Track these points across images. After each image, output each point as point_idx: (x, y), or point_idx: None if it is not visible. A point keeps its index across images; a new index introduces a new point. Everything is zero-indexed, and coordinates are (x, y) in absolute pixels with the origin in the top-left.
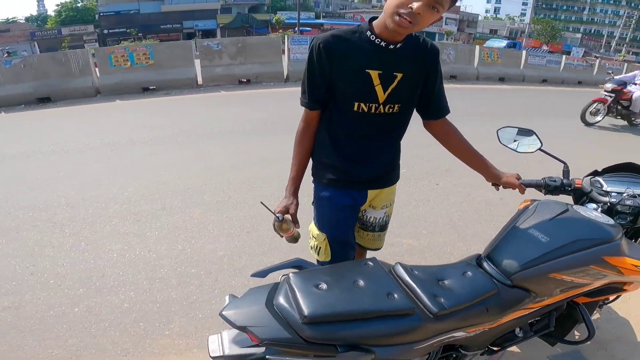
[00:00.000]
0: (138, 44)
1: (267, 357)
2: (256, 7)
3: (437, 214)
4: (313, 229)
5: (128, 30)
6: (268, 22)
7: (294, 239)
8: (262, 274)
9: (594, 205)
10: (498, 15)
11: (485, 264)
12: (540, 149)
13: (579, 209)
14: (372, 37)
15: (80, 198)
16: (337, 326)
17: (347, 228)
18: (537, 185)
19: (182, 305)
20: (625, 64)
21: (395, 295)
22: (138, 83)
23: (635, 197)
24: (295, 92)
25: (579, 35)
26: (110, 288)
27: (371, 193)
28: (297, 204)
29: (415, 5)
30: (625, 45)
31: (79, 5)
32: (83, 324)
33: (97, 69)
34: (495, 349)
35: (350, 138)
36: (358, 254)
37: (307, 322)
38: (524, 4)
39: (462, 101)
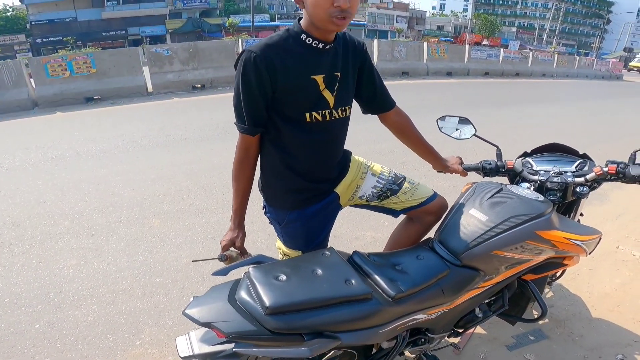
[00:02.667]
0: (77, 52)
1: (234, 350)
2: (208, 12)
3: None
4: (282, 247)
5: (65, 39)
6: (221, 26)
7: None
8: (224, 272)
9: (527, 184)
10: (444, 12)
11: (436, 247)
12: (474, 134)
13: (512, 188)
14: (309, 40)
15: (26, 216)
16: (299, 315)
17: (324, 234)
18: (476, 169)
19: (150, 315)
20: (556, 56)
21: (353, 281)
22: (80, 93)
23: (561, 174)
24: None
25: (514, 29)
26: (71, 303)
27: (340, 187)
28: (243, 236)
29: (341, 1)
30: (555, 37)
31: (8, 14)
32: (47, 340)
33: (32, 80)
34: (459, 330)
35: (308, 153)
36: (419, 218)
37: (270, 313)
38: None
39: (415, 95)
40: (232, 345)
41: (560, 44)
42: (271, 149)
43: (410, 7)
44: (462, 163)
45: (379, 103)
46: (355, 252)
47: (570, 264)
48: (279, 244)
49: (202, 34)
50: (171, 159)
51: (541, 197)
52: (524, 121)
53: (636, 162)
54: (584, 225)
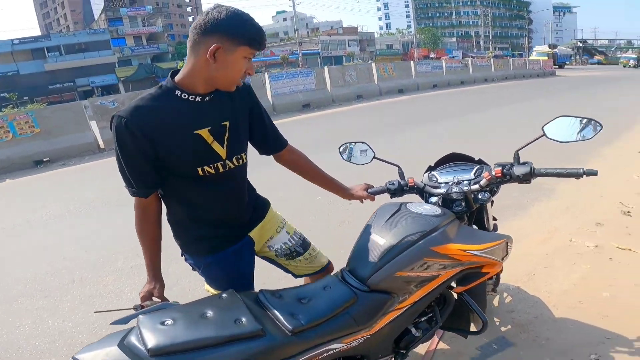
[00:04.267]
0: (18, 110)
1: None
2: (160, 56)
3: (356, 232)
4: (210, 289)
5: (8, 95)
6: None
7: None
8: (124, 320)
9: (435, 199)
10: (390, 31)
11: (345, 276)
12: (375, 157)
13: (410, 206)
14: (185, 96)
15: None
16: (185, 356)
17: (247, 275)
18: (382, 191)
19: None
20: (492, 60)
21: (244, 320)
22: (27, 157)
23: (459, 183)
24: None
25: (454, 39)
26: (29, 357)
27: (254, 233)
28: (161, 286)
29: (251, 71)
30: (490, 43)
31: None
32: None
33: None
34: (403, 351)
35: (209, 204)
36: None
37: (153, 354)
38: (407, 16)
39: (370, 117)
40: None
41: (497, 48)
42: (173, 203)
43: (359, 30)
44: (368, 189)
45: (272, 143)
46: (261, 291)
47: (491, 271)
48: (207, 286)
49: (157, 80)
50: (125, 217)
51: (438, 211)
52: (467, 130)
53: (520, 162)
54: (489, 233)
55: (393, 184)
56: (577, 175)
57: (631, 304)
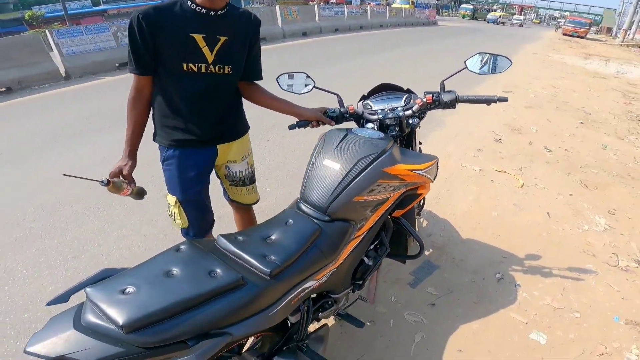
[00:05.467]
0: None
1: None
2: None
3: (274, 168)
4: (167, 195)
5: None
6: (23, 19)
7: (138, 195)
8: (63, 298)
9: (371, 125)
10: None
11: (302, 207)
12: (315, 86)
13: (357, 131)
14: (193, 6)
15: None
16: (168, 323)
17: (198, 188)
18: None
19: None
20: (387, 7)
21: (218, 271)
22: None
23: (394, 109)
24: (79, 89)
25: None
26: None
27: (221, 148)
28: (132, 165)
29: None
30: None
31: None
32: None
33: None
34: (359, 282)
35: (186, 98)
36: (240, 213)
37: (130, 330)
38: None
39: (275, 59)
40: None
41: None
42: (158, 91)
43: None
44: (325, 112)
45: (250, 71)
46: (219, 236)
47: (424, 192)
48: (167, 194)
49: None
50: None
51: (382, 135)
52: (377, 67)
53: (445, 90)
54: (421, 154)
55: (334, 112)
56: (492, 101)
57: (513, 222)
